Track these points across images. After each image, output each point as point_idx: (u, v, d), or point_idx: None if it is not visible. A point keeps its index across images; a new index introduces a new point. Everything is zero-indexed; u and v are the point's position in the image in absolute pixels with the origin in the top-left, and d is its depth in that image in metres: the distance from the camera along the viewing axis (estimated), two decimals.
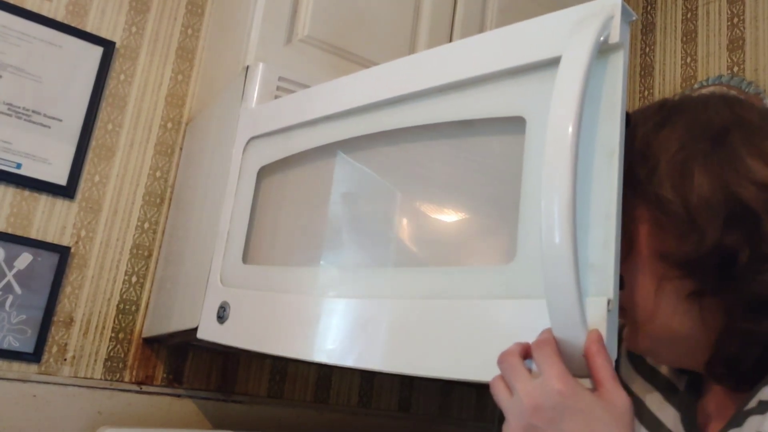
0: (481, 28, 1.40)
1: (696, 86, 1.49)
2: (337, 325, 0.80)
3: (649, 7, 1.67)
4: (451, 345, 0.66)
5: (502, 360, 0.56)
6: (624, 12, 0.62)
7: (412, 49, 1.32)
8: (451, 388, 1.64)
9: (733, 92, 0.63)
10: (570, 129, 0.56)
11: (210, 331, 0.98)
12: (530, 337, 0.57)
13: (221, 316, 0.96)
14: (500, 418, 0.56)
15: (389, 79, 0.85)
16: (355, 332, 0.77)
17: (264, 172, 1.03)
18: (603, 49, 0.62)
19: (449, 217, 0.84)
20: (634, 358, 0.80)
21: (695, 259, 0.60)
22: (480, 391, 1.66)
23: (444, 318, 0.68)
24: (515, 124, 0.72)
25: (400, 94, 0.82)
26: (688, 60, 1.54)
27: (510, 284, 0.64)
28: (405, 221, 0.87)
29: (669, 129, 0.65)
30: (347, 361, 0.77)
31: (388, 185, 0.92)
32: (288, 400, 1.43)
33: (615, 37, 0.61)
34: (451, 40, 1.36)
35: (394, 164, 0.89)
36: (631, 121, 0.64)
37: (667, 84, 1.57)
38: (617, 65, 0.61)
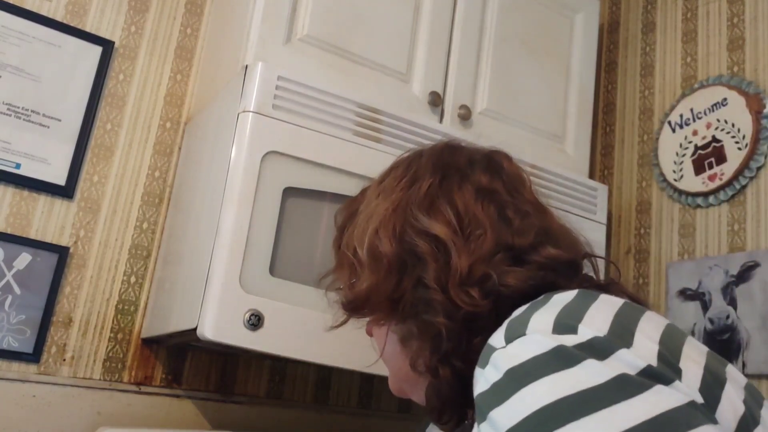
0: (481, 28, 1.40)
1: (696, 86, 1.49)
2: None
3: (649, 7, 1.67)
4: None
5: None
6: None
7: (411, 49, 1.31)
8: None
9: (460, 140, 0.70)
10: None
11: (239, 337, 1.00)
12: None
13: (255, 324, 1.00)
14: None
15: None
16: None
17: (290, 192, 1.09)
18: None
19: None
20: None
21: (374, 302, 0.64)
22: None
23: None
24: None
25: None
26: (688, 60, 1.54)
27: None
28: None
29: (380, 186, 0.69)
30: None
31: None
32: (287, 400, 1.43)
33: None
34: (451, 40, 1.36)
35: None
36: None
37: (668, 84, 1.57)
38: None
